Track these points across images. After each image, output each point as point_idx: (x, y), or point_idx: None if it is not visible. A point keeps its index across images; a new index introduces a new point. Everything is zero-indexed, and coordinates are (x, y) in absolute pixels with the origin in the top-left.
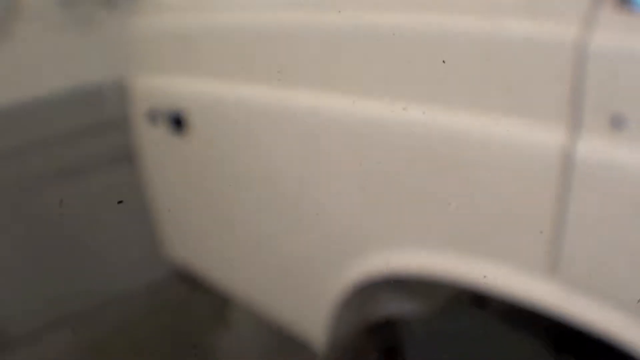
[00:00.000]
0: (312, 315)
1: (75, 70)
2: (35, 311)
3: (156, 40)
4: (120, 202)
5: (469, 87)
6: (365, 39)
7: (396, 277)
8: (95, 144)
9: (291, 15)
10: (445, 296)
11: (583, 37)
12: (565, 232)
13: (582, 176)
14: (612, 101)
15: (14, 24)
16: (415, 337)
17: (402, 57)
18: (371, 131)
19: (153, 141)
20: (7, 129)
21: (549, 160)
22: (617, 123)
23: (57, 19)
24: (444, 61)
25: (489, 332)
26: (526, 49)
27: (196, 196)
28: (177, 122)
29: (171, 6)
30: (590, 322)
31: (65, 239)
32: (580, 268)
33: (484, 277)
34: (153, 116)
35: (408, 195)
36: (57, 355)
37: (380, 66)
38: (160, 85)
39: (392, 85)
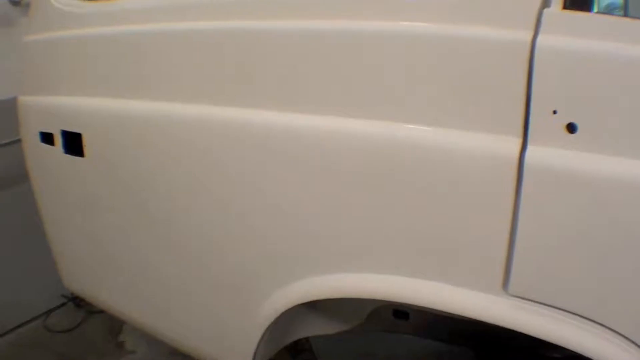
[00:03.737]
0: (236, 344)
1: None
2: None
3: (48, 59)
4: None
5: (411, 96)
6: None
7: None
8: None
9: (172, 32)
10: (366, 311)
11: (531, 41)
12: (516, 245)
13: (532, 187)
14: (564, 107)
15: None
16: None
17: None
18: (297, 145)
19: (46, 163)
20: None
21: (503, 172)
22: (569, 129)
23: None
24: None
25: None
26: (477, 55)
27: (94, 222)
28: (71, 144)
29: (59, 25)
30: (541, 332)
31: None
32: (530, 280)
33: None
34: (45, 137)
35: (346, 215)
36: None
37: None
38: (53, 105)
39: (329, 98)
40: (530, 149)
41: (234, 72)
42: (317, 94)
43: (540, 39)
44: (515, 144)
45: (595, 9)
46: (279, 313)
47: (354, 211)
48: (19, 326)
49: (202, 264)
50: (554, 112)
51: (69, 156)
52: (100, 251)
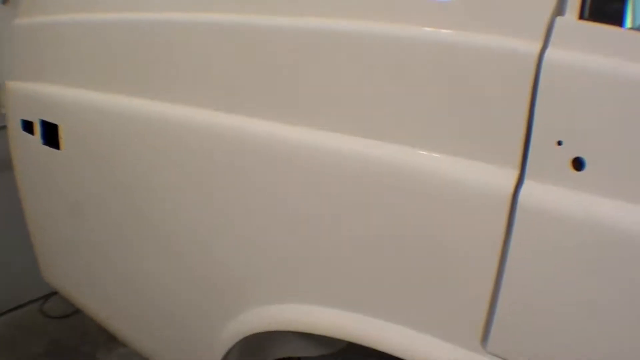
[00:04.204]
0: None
1: None
2: None
3: (33, 43)
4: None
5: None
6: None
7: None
8: None
9: (161, 28)
10: None
11: (539, 55)
12: (501, 296)
13: (524, 230)
14: (571, 138)
15: None
16: None
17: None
18: (284, 162)
19: (27, 153)
20: None
21: (492, 209)
22: (575, 165)
23: None
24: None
25: None
26: (473, 68)
27: (70, 217)
28: (49, 135)
29: (46, 9)
30: None
31: None
32: (513, 339)
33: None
34: (26, 126)
35: (311, 244)
36: None
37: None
38: (35, 92)
39: (318, 114)
40: (526, 184)
41: (230, 74)
42: (295, 104)
43: (549, 52)
44: (510, 177)
45: (629, 26)
46: (240, 337)
47: (321, 240)
48: (15, 308)
49: (172, 275)
50: (559, 143)
51: (47, 147)
52: (74, 247)
